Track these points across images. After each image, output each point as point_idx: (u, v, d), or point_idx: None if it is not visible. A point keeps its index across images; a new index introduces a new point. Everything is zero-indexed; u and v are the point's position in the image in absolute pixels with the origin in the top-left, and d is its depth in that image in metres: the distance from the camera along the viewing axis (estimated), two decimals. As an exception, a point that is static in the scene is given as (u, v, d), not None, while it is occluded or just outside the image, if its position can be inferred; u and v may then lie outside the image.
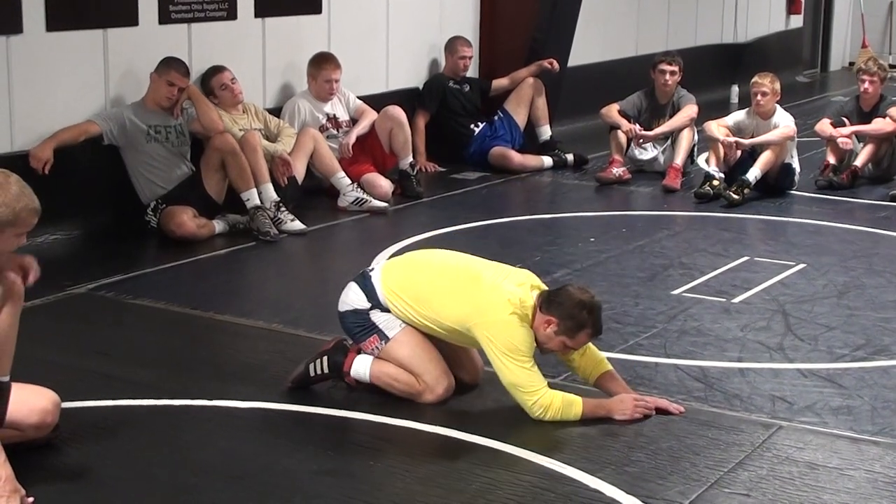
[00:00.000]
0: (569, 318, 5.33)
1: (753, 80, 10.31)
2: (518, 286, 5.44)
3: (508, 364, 5.34)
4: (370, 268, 5.81)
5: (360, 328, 5.65)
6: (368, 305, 5.62)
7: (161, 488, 4.75)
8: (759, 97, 10.17)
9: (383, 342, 5.60)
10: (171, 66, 8.57)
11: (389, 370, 5.61)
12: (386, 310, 5.60)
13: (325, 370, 5.70)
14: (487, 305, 5.39)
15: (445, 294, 5.50)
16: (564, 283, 6.02)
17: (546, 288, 5.54)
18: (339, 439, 5.29)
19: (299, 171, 9.29)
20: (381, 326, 5.60)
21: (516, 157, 11.21)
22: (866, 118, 10.81)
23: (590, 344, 5.59)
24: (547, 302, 5.38)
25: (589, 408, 5.43)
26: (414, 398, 5.59)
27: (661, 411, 5.52)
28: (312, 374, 5.72)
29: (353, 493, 4.72)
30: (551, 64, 11.52)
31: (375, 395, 5.64)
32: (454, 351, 5.70)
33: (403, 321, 5.59)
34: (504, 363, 5.35)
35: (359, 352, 5.70)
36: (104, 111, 8.53)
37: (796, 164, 10.40)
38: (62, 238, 8.28)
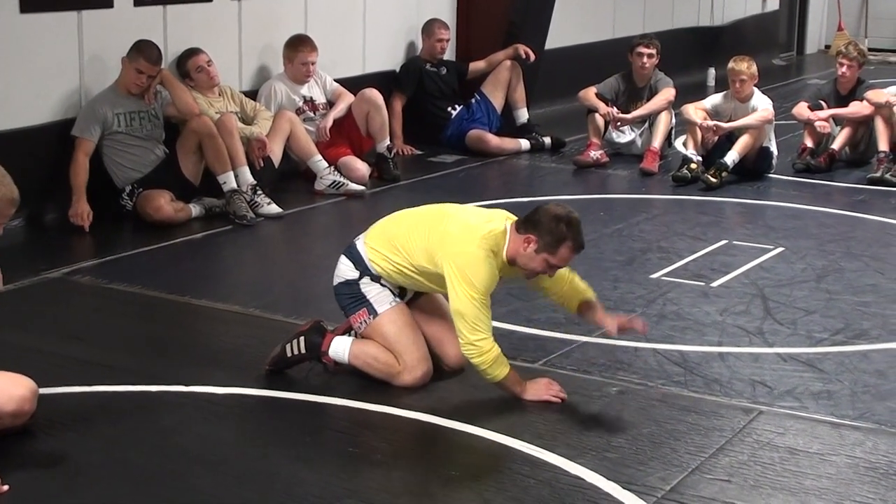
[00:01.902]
0: (547, 233, 5.26)
1: (730, 65, 10.27)
2: (489, 218, 5.43)
3: (461, 293, 5.28)
4: (356, 238, 5.76)
5: (351, 299, 5.63)
6: (357, 274, 5.60)
7: (138, 474, 4.72)
8: (737, 84, 10.16)
9: (371, 317, 5.58)
10: (141, 52, 8.45)
11: (369, 349, 5.60)
12: (375, 277, 5.57)
13: (302, 350, 5.68)
14: (454, 237, 5.36)
15: (416, 234, 5.49)
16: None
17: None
18: (318, 425, 5.25)
19: (276, 154, 9.25)
20: (371, 300, 5.58)
21: (493, 140, 11.18)
22: (843, 101, 10.80)
23: (575, 276, 5.58)
24: (524, 222, 5.34)
25: (512, 379, 5.41)
26: (391, 379, 5.56)
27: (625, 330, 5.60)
28: (289, 354, 5.69)
29: (332, 479, 4.69)
30: (526, 53, 11.48)
31: (353, 381, 5.61)
32: (441, 331, 5.66)
33: (386, 280, 5.56)
34: (458, 291, 5.28)
35: (343, 333, 5.69)
36: (83, 117, 8.37)
37: (774, 148, 10.40)
38: (36, 222, 8.22)
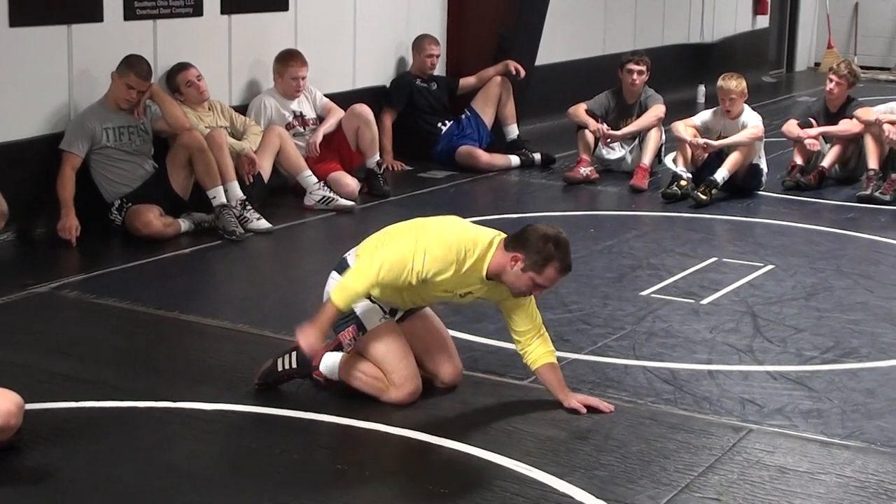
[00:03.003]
0: (535, 251, 5.25)
1: (720, 83, 10.27)
2: (477, 231, 5.41)
3: (372, 258, 5.33)
4: (347, 254, 5.74)
5: (339, 317, 5.60)
6: None
7: (125, 491, 4.69)
8: (727, 102, 10.17)
9: (360, 333, 5.56)
10: (131, 67, 8.42)
11: (358, 364, 5.58)
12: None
13: (294, 365, 5.65)
14: (432, 234, 5.36)
15: (402, 239, 5.44)
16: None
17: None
18: (306, 442, 5.23)
19: (265, 170, 9.23)
20: (360, 317, 5.55)
21: (484, 156, 11.17)
22: (833, 119, 10.81)
23: (545, 333, 5.56)
24: (512, 239, 5.33)
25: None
26: (380, 394, 5.54)
27: (591, 409, 5.51)
28: (280, 368, 5.66)
29: (320, 496, 4.67)
30: (517, 69, 11.49)
31: (343, 397, 5.59)
32: (434, 351, 5.65)
33: (375, 297, 5.52)
34: (374, 257, 5.34)
35: (334, 349, 5.66)
36: (71, 131, 8.33)
37: (764, 165, 10.40)
38: (24, 236, 8.19)
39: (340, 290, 5.34)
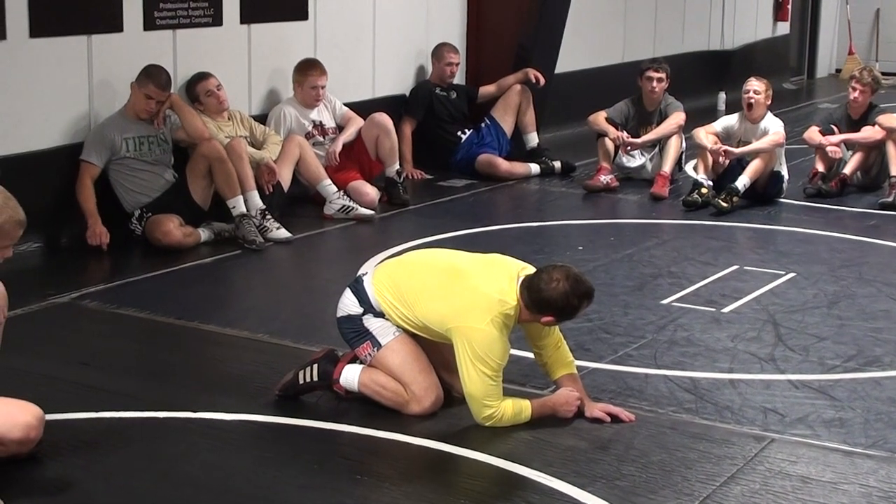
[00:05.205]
0: (562, 308, 5.29)
1: (749, 79, 10.28)
2: (507, 283, 5.36)
3: (473, 373, 5.28)
4: (364, 272, 5.73)
5: (354, 334, 5.60)
6: (361, 310, 5.57)
7: (144, 502, 4.68)
8: (751, 93, 10.11)
9: (376, 349, 5.54)
10: (150, 77, 8.44)
11: (378, 378, 5.55)
12: (379, 314, 5.54)
13: (315, 378, 5.65)
14: (467, 310, 5.31)
15: (427, 295, 5.45)
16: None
17: (530, 270, 5.45)
18: (326, 452, 5.21)
19: (285, 179, 9.23)
20: (374, 333, 5.54)
21: (503, 165, 11.16)
22: (855, 126, 10.77)
23: (564, 344, 5.60)
24: (537, 305, 5.30)
25: (536, 411, 5.45)
26: (401, 408, 5.52)
27: (612, 419, 5.51)
28: (301, 381, 5.65)
29: (340, 507, 4.66)
30: (536, 77, 11.48)
31: (363, 407, 5.57)
32: (450, 358, 5.62)
33: (395, 325, 5.53)
34: (469, 370, 5.29)
35: (351, 361, 5.64)
36: (90, 141, 8.36)
37: (785, 172, 10.36)
38: (45, 246, 8.20)
39: (500, 419, 5.38)
